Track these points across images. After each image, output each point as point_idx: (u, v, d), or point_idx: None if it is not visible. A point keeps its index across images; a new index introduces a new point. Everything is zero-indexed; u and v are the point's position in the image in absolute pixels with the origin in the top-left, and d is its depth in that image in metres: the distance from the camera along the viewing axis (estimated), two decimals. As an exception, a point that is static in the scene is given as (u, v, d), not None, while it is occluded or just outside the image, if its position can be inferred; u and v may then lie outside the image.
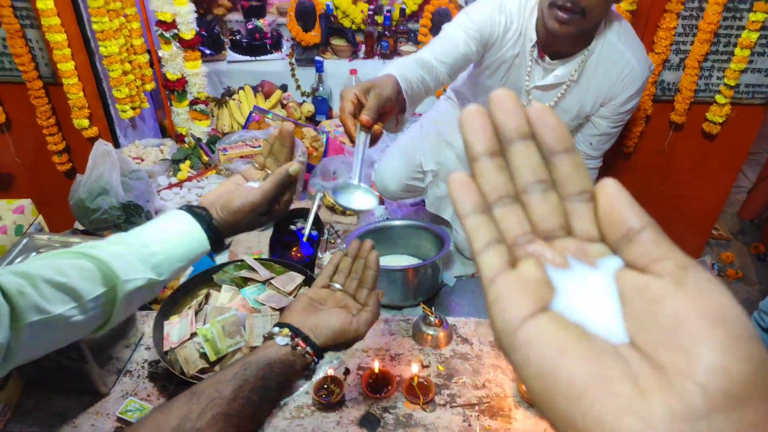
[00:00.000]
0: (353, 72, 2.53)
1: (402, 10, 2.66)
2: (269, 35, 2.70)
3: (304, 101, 2.69)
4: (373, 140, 0.93)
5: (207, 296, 1.27)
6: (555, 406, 0.24)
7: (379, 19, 2.63)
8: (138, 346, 1.25)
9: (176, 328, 1.17)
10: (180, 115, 2.38)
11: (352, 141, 0.90)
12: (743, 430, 0.21)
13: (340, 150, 2.39)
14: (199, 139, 2.36)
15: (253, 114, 2.41)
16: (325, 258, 1.71)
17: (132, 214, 1.71)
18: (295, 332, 0.70)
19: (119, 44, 2.01)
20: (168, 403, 0.59)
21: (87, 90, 2.02)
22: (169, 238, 0.73)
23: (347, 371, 1.19)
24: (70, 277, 0.62)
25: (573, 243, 0.28)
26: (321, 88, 2.61)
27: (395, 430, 1.07)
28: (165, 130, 2.55)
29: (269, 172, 0.83)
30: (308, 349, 0.69)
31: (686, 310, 0.23)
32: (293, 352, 0.68)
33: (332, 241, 1.90)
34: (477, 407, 1.12)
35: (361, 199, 0.83)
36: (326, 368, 1.18)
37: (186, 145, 2.34)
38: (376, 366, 1.16)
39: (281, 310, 1.21)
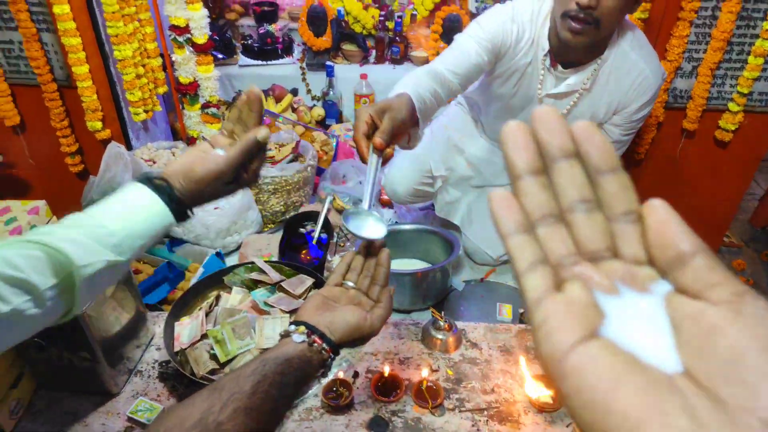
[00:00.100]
0: (363, 77, 2.54)
1: (413, 16, 2.67)
2: (281, 40, 2.72)
3: (314, 105, 2.70)
4: (384, 161, 0.92)
5: (217, 298, 1.28)
6: None
7: (390, 24, 2.65)
8: (149, 347, 1.26)
9: (187, 329, 1.18)
10: (192, 118, 2.40)
11: (364, 161, 0.89)
12: None
13: (350, 154, 2.39)
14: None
15: (264, 118, 2.42)
16: (335, 261, 1.71)
17: (144, 216, 1.72)
18: (311, 329, 0.70)
19: (133, 48, 2.03)
20: (190, 398, 0.60)
21: (101, 93, 2.04)
22: (127, 215, 0.69)
23: (356, 374, 1.19)
24: (22, 269, 0.59)
25: (620, 265, 0.27)
26: (331, 93, 2.62)
27: (404, 434, 1.07)
28: (177, 133, 2.57)
29: (238, 139, 0.79)
30: (324, 345, 0.70)
31: (746, 341, 0.22)
32: (310, 348, 0.69)
33: (341, 245, 1.91)
34: (486, 412, 1.11)
35: (371, 228, 0.81)
36: (335, 371, 1.18)
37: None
38: (386, 369, 1.16)
39: (291, 312, 1.22)
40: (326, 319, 0.73)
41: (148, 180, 0.72)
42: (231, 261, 1.88)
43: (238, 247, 1.90)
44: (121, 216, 0.68)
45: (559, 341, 0.25)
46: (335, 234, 1.84)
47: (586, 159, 0.27)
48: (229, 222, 1.86)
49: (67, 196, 2.03)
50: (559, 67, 1.49)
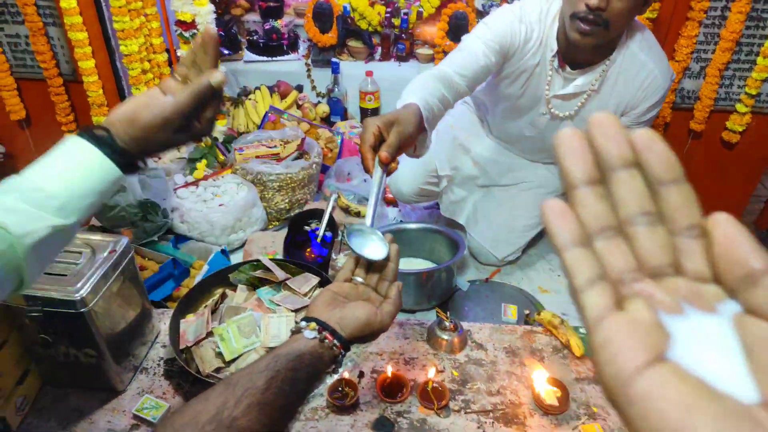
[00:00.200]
0: (369, 74, 2.53)
1: (419, 13, 2.66)
2: (286, 36, 2.71)
3: (319, 102, 2.69)
4: (387, 174, 0.92)
5: (222, 295, 1.28)
6: None
7: (396, 21, 2.63)
8: (154, 344, 1.26)
9: (192, 326, 1.18)
10: (197, 114, 2.39)
11: (369, 173, 0.89)
12: None
13: (355, 151, 2.39)
14: (215, 139, 2.37)
15: (269, 114, 2.42)
16: (339, 259, 1.71)
17: (149, 212, 1.72)
18: (323, 326, 0.70)
19: (139, 43, 2.03)
20: (204, 393, 0.60)
21: (106, 87, 2.04)
22: (67, 174, 0.63)
23: (361, 374, 1.19)
24: None
25: (684, 283, 0.25)
26: (336, 90, 2.61)
27: (409, 435, 1.07)
28: (181, 129, 2.57)
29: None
30: (335, 341, 0.70)
31: None
32: (321, 344, 0.69)
33: (345, 243, 1.91)
34: (491, 414, 1.11)
35: (373, 248, 0.81)
36: (341, 370, 1.18)
37: (202, 145, 2.35)
38: (390, 370, 1.16)
39: (297, 311, 1.22)
40: (337, 315, 0.73)
41: (87, 132, 0.66)
42: (235, 258, 1.88)
43: (243, 244, 1.89)
44: (60, 175, 0.62)
45: (625, 364, 0.24)
46: (340, 232, 1.83)
47: (647, 169, 0.26)
48: (233, 219, 1.85)
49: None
50: (568, 68, 1.48)
